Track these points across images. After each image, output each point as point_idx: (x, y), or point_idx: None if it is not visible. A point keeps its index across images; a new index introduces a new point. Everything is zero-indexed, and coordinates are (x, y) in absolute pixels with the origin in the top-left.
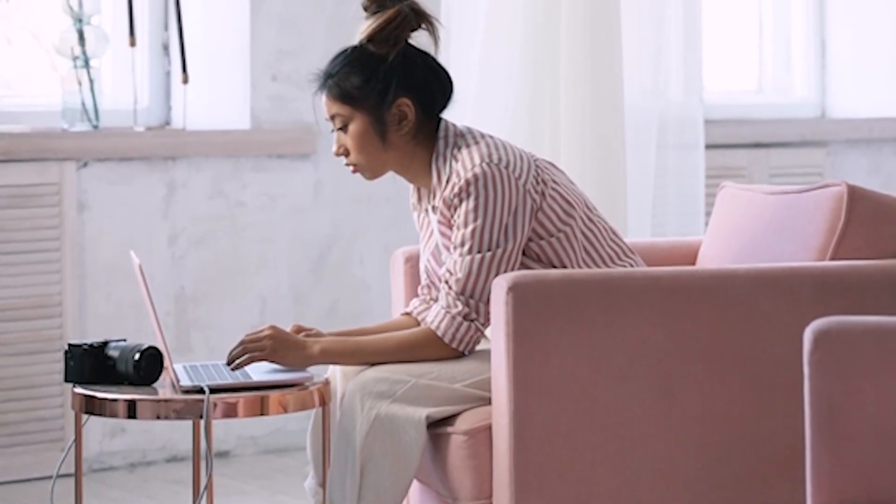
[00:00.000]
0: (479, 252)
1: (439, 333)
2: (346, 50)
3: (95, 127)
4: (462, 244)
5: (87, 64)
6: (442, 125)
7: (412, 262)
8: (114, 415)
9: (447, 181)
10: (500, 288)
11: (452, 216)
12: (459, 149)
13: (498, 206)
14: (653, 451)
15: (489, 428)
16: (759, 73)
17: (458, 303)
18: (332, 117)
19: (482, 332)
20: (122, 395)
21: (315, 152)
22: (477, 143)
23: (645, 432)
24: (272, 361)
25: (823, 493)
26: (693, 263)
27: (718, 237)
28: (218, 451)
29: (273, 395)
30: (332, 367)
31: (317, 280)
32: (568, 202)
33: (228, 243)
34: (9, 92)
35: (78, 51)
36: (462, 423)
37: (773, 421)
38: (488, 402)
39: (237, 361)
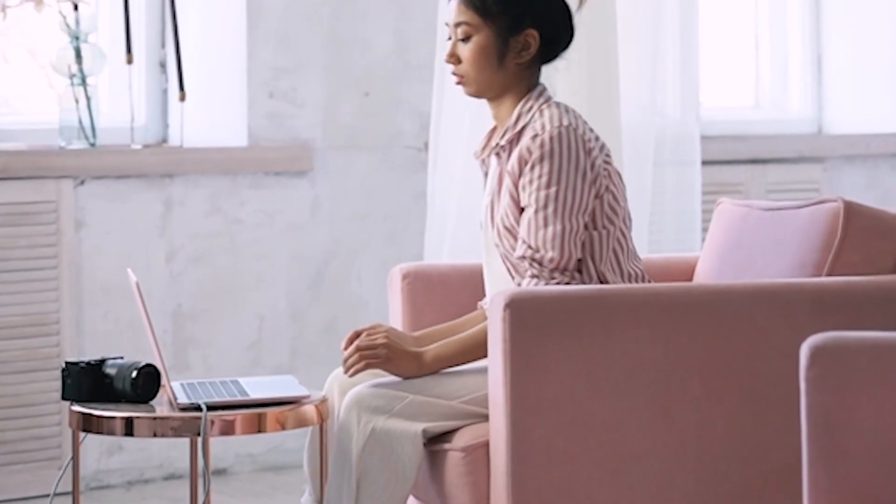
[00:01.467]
0: (562, 221)
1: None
2: None
3: (92, 144)
4: (545, 206)
5: (84, 81)
6: (542, 82)
7: (409, 278)
8: (111, 432)
9: (522, 128)
10: (497, 305)
11: (521, 175)
12: (549, 106)
13: (574, 171)
14: (650, 467)
15: (487, 444)
16: (756, 90)
17: (556, 275)
18: (458, 24)
19: None
20: (119, 412)
21: (312, 169)
22: (567, 111)
23: (642, 448)
24: (385, 370)
25: None
26: (690, 279)
27: (715, 253)
28: (215, 469)
29: (270, 413)
30: (328, 383)
31: (314, 297)
32: (614, 209)
33: (226, 260)
34: (6, 110)
35: (75, 68)
36: (459, 440)
37: (770, 436)
38: (486, 418)
39: (354, 368)
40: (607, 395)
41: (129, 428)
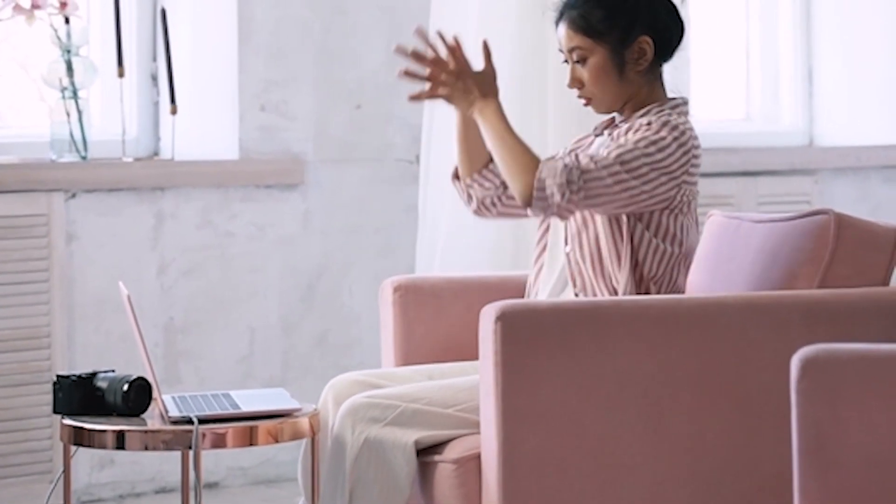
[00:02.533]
0: (625, 174)
1: (538, 170)
2: None
3: (84, 158)
4: (627, 161)
5: (75, 94)
6: (685, 96)
7: (401, 291)
8: (102, 446)
9: (645, 114)
10: (488, 317)
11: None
12: (681, 115)
13: (673, 163)
14: (642, 479)
15: (478, 457)
16: (747, 102)
17: (576, 174)
18: (571, 50)
19: (553, 211)
20: (110, 426)
21: (303, 182)
22: (693, 128)
23: (634, 460)
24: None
25: None
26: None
27: (706, 265)
28: (207, 483)
29: (262, 425)
30: (323, 395)
31: (306, 310)
32: (682, 241)
33: (217, 273)
34: None
35: (66, 81)
36: (451, 452)
37: (761, 448)
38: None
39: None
40: (599, 407)
41: (120, 441)
